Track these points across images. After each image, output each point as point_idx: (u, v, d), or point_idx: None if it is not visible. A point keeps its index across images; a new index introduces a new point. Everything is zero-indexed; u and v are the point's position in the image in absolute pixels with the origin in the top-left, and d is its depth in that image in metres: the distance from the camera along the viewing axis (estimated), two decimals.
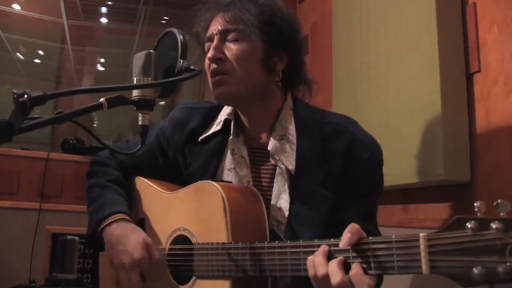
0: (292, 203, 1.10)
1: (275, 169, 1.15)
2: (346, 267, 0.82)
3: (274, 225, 1.10)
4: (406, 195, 1.64)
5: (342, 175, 1.10)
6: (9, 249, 2.28)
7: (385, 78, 1.66)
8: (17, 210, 2.35)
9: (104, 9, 4.24)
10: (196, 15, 1.21)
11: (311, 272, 0.85)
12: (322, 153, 1.11)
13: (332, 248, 0.85)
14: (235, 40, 1.12)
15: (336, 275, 0.80)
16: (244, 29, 1.10)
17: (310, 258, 0.86)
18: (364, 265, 0.80)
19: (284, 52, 1.16)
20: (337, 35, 2.04)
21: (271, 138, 1.15)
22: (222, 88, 1.12)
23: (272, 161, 1.14)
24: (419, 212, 1.58)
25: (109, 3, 4.16)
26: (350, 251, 0.82)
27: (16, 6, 4.00)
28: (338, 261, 0.82)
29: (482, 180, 1.36)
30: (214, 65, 1.12)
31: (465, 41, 1.43)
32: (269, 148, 1.14)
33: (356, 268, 0.80)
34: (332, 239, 0.86)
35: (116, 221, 1.16)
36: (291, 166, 1.11)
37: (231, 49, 1.12)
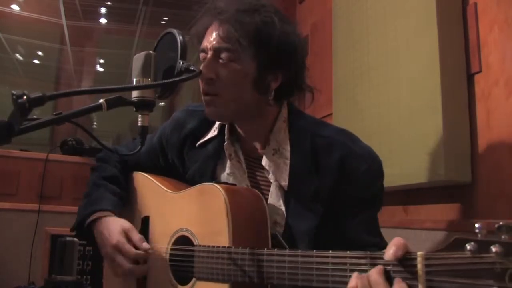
0: (287, 218, 1.10)
1: (270, 181, 1.15)
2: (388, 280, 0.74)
3: (275, 231, 1.10)
4: (407, 195, 1.64)
5: (337, 189, 1.08)
6: (8, 250, 2.27)
7: (385, 78, 1.65)
8: (16, 211, 2.34)
9: (103, 10, 4.23)
10: (196, 15, 1.21)
11: (352, 283, 0.76)
12: (314, 167, 1.10)
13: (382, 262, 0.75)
14: (228, 61, 1.08)
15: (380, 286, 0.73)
16: (237, 50, 1.07)
17: (357, 275, 0.76)
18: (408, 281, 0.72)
19: (280, 72, 1.12)
20: (337, 35, 2.04)
21: (265, 153, 1.15)
22: (211, 108, 1.13)
23: (267, 176, 1.15)
24: (420, 213, 1.58)
25: (109, 3, 4.15)
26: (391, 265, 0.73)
27: (15, 7, 4.00)
28: (379, 269, 0.74)
29: (483, 181, 1.35)
30: (205, 85, 1.11)
31: (466, 41, 1.43)
32: (263, 163, 1.14)
33: (399, 284, 0.72)
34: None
35: (99, 218, 1.22)
36: (284, 182, 1.11)
37: (223, 70, 1.09)
